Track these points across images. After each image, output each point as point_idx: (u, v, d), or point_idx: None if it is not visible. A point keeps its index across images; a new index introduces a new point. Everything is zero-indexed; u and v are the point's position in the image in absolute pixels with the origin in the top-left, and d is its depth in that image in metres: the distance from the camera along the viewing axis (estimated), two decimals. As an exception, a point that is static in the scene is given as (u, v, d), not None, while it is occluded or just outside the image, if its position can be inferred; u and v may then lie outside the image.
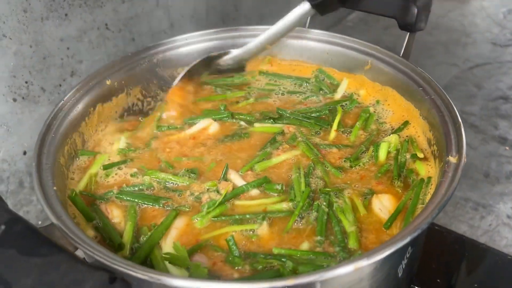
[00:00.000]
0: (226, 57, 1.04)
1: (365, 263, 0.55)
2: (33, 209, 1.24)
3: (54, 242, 0.48)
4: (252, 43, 1.00)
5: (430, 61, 2.02)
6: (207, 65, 1.04)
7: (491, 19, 2.34)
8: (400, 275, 0.74)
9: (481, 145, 1.56)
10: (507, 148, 1.55)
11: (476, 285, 1.10)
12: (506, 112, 1.71)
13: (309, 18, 1.09)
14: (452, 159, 0.70)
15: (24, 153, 1.18)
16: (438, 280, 1.11)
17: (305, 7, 0.92)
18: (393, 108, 0.94)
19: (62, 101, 0.86)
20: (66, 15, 1.17)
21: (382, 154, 0.83)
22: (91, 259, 0.61)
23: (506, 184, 1.42)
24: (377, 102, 0.97)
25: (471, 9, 2.48)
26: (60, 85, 1.21)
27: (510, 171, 1.46)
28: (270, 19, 1.11)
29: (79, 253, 0.61)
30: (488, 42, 2.16)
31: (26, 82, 1.13)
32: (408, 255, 0.73)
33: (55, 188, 0.71)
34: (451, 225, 1.29)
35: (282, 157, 0.85)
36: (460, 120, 0.75)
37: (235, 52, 1.03)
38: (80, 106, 0.88)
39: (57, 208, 0.66)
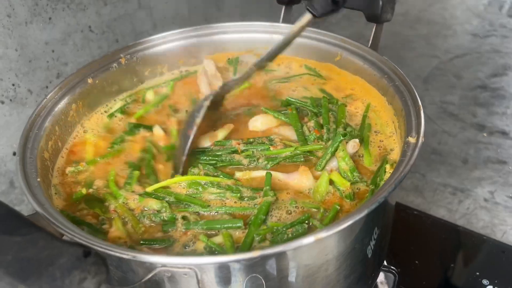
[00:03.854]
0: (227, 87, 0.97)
1: (324, 234, 0.59)
2: (24, 209, 1.28)
3: (33, 223, 0.53)
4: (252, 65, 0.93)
5: (411, 53, 2.07)
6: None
7: (471, 11, 2.40)
8: (369, 256, 0.78)
9: (460, 133, 1.61)
10: (485, 134, 1.60)
11: (452, 265, 1.15)
12: (484, 100, 1.76)
13: (282, 12, 1.14)
14: (411, 140, 0.74)
15: (14, 154, 1.22)
16: (417, 262, 1.15)
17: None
18: (362, 96, 0.99)
19: (45, 99, 0.90)
20: (50, 18, 1.21)
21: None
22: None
23: (484, 169, 1.47)
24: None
25: (451, 2, 2.53)
26: (47, 87, 1.25)
27: (487, 156, 1.51)
28: (252, 19, 1.15)
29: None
30: (468, 34, 2.21)
31: (13, 85, 1.18)
32: (375, 236, 0.77)
33: (39, 179, 0.75)
34: (429, 210, 1.34)
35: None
36: (420, 103, 0.80)
37: (235, 78, 0.98)
38: (62, 104, 0.92)
39: (40, 197, 0.71)
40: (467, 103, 1.75)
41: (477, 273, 1.11)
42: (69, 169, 0.88)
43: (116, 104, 1.05)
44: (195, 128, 0.90)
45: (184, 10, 1.60)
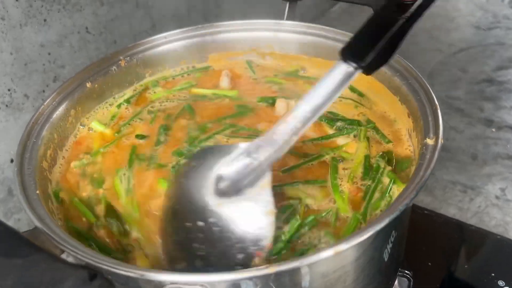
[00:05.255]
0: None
1: (344, 247, 0.56)
2: (24, 217, 1.25)
3: (34, 243, 0.49)
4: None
5: (414, 48, 2.03)
6: None
7: (473, 3, 2.35)
8: (386, 259, 0.74)
9: (467, 128, 1.57)
10: (493, 130, 1.56)
11: (466, 266, 1.12)
12: (491, 94, 1.72)
13: (287, 9, 1.10)
14: (430, 141, 0.70)
15: (11, 160, 1.19)
16: (429, 263, 1.12)
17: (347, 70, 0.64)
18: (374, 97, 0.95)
19: (43, 106, 0.86)
20: (45, 20, 1.17)
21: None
22: (77, 260, 0.62)
23: (494, 165, 1.44)
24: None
25: (453, -6, 2.49)
26: (44, 91, 1.22)
27: (497, 152, 1.47)
28: (253, 15, 1.11)
29: (66, 255, 0.62)
30: (471, 26, 2.17)
31: (9, 90, 1.14)
32: (392, 239, 0.74)
33: (38, 192, 0.71)
34: (440, 208, 1.30)
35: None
36: (436, 102, 0.76)
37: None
38: (60, 110, 0.88)
39: (40, 211, 0.67)
40: (473, 97, 1.72)
41: (492, 274, 1.07)
42: (74, 163, 0.84)
43: (125, 95, 1.02)
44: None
45: (183, 8, 1.56)
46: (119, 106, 0.99)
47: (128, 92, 1.03)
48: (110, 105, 1.00)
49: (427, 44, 2.07)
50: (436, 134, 0.71)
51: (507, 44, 2.00)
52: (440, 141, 0.69)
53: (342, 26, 0.99)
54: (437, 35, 2.13)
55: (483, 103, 1.68)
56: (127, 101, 1.00)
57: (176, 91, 1.03)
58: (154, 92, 1.03)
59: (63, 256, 0.63)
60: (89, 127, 0.94)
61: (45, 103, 0.87)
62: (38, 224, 0.64)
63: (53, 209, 0.75)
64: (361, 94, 0.96)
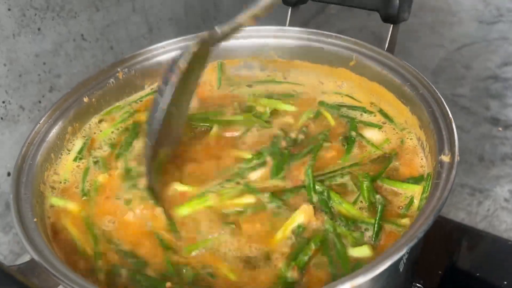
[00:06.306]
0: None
1: (361, 280, 0.53)
2: (22, 231, 1.21)
3: (29, 285, 0.46)
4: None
5: (417, 44, 1.99)
6: None
7: (475, -4, 2.32)
8: (401, 269, 0.71)
9: (474, 128, 1.54)
10: (500, 129, 1.53)
11: (478, 274, 1.09)
12: (496, 91, 1.69)
13: (289, 14, 1.06)
14: (445, 158, 0.67)
15: (8, 174, 1.16)
16: (440, 272, 1.09)
17: None
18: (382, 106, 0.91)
19: (38, 125, 0.82)
20: (39, 29, 1.13)
21: None
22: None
23: (502, 166, 1.40)
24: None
25: (455, -13, 2.45)
26: (40, 102, 1.18)
27: (505, 152, 1.44)
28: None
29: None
30: (474, 20, 2.13)
31: (3, 102, 1.10)
32: (407, 256, 0.70)
33: (35, 220, 0.68)
34: (449, 213, 1.27)
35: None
36: (450, 115, 0.73)
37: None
38: (57, 128, 0.85)
39: (38, 242, 0.64)
40: (478, 95, 1.68)
41: (505, 282, 1.05)
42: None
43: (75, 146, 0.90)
44: (178, 73, 0.71)
45: (180, 11, 1.52)
46: (75, 159, 0.87)
47: (78, 143, 0.89)
48: (69, 150, 0.88)
49: (429, 40, 2.03)
50: (452, 150, 0.67)
51: (511, 38, 1.96)
52: (457, 158, 0.66)
53: (341, 22, 0.96)
54: (439, 30, 2.09)
55: (489, 100, 1.65)
56: (80, 157, 0.88)
57: (119, 123, 0.94)
58: (100, 131, 0.93)
59: (60, 288, 0.61)
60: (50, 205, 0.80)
61: (40, 122, 0.83)
62: (35, 257, 0.61)
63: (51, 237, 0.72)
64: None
